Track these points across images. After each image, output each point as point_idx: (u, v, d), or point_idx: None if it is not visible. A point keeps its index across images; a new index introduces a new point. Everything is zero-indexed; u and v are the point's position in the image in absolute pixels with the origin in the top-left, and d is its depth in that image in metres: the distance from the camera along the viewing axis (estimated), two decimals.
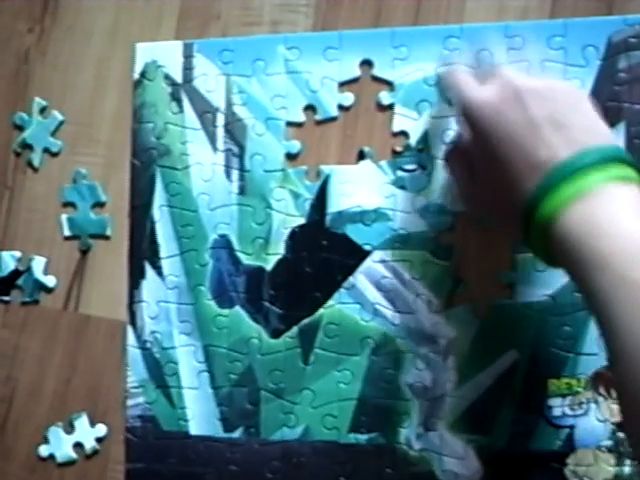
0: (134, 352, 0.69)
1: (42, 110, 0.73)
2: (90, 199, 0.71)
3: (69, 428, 0.71)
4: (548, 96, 0.51)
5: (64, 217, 0.72)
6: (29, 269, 0.73)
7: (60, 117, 0.73)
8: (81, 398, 0.71)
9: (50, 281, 0.72)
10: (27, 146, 0.74)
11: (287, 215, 0.66)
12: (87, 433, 0.70)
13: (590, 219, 0.47)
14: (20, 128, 0.74)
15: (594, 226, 0.47)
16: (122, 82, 0.71)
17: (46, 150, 0.73)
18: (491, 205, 0.56)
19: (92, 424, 0.70)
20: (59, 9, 0.74)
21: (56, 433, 0.71)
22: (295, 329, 0.66)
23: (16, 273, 0.73)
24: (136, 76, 0.70)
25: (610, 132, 0.52)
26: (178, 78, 0.69)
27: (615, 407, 0.60)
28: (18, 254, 0.73)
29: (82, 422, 0.71)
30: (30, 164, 0.73)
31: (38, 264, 0.72)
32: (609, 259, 0.46)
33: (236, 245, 0.67)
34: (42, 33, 0.74)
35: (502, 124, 0.52)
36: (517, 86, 0.52)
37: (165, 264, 0.69)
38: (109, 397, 0.70)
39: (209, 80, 0.68)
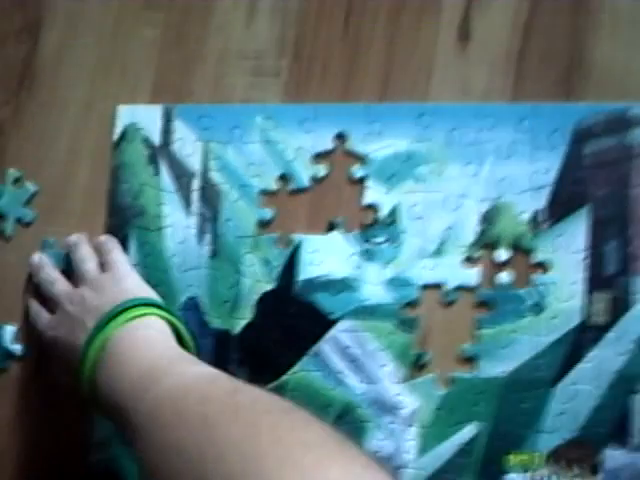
0: None
1: (16, 181, 0.74)
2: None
3: None
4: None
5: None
6: None
7: (33, 187, 0.74)
8: (50, 466, 0.71)
9: (19, 349, 0.72)
10: (0, 216, 0.74)
11: (256, 281, 0.67)
12: None
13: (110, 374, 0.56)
14: None
15: (114, 381, 0.56)
16: (96, 154, 0.73)
17: (19, 220, 0.74)
18: None
19: None
20: (35, 83, 0.76)
21: None
22: None
23: None
24: (115, 137, 0.72)
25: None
26: (156, 141, 0.71)
27: None
28: None
29: None
30: (2, 233, 0.74)
31: (7, 332, 0.72)
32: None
33: (205, 308, 0.68)
34: (18, 106, 0.76)
35: (60, 338, 0.64)
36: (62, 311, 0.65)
37: None
38: (76, 464, 0.70)
39: (187, 145, 0.70)
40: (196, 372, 0.53)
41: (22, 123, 0.76)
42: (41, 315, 0.69)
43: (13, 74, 0.76)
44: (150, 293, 0.65)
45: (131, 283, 0.65)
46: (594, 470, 0.61)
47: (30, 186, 0.74)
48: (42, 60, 0.76)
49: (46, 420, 0.72)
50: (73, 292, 0.66)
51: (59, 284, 0.68)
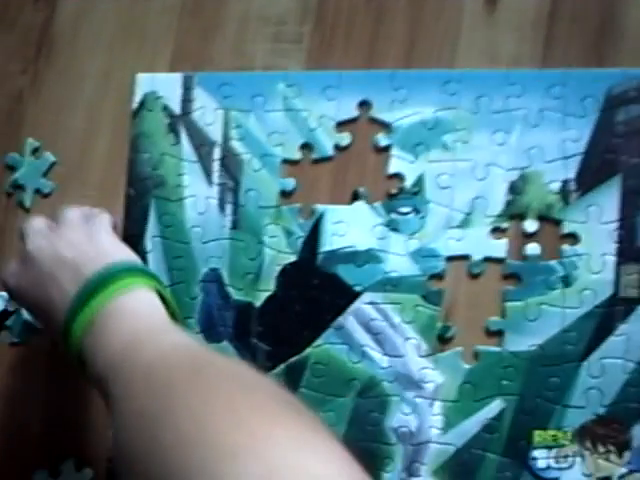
0: None
1: (34, 151, 0.73)
2: None
3: (55, 472, 0.69)
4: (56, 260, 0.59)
5: None
6: (18, 310, 0.72)
7: (52, 158, 0.73)
8: (68, 441, 0.70)
9: (38, 322, 0.71)
10: (18, 187, 0.73)
11: (279, 252, 0.66)
12: (74, 478, 0.69)
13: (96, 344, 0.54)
14: (12, 168, 0.74)
15: (100, 354, 0.54)
16: (115, 123, 0.72)
17: (37, 191, 0.73)
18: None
19: (79, 468, 0.69)
20: (53, 52, 0.75)
21: (42, 477, 0.69)
22: (282, 367, 0.66)
23: (5, 313, 0.72)
24: (135, 106, 0.71)
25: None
26: (177, 110, 0.70)
27: (601, 462, 0.60)
28: (7, 295, 0.72)
29: (69, 466, 0.69)
30: (21, 205, 0.73)
31: None
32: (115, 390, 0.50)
33: (226, 279, 0.67)
34: (36, 75, 0.75)
35: (27, 289, 0.60)
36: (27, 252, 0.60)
37: None
38: (97, 440, 0.69)
39: (207, 113, 0.69)
40: (174, 341, 0.52)
41: (40, 92, 0.75)
42: (8, 262, 0.63)
43: (31, 42, 0.76)
44: (126, 251, 0.61)
45: (106, 238, 0.61)
46: (623, 448, 0.59)
47: (49, 156, 0.73)
48: (60, 28, 0.75)
49: (67, 392, 0.71)
50: (42, 228, 0.61)
51: (32, 218, 0.63)
